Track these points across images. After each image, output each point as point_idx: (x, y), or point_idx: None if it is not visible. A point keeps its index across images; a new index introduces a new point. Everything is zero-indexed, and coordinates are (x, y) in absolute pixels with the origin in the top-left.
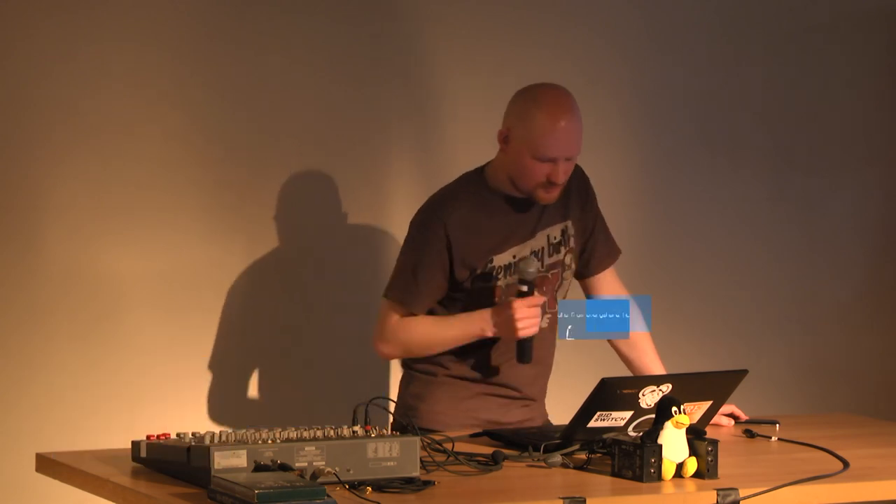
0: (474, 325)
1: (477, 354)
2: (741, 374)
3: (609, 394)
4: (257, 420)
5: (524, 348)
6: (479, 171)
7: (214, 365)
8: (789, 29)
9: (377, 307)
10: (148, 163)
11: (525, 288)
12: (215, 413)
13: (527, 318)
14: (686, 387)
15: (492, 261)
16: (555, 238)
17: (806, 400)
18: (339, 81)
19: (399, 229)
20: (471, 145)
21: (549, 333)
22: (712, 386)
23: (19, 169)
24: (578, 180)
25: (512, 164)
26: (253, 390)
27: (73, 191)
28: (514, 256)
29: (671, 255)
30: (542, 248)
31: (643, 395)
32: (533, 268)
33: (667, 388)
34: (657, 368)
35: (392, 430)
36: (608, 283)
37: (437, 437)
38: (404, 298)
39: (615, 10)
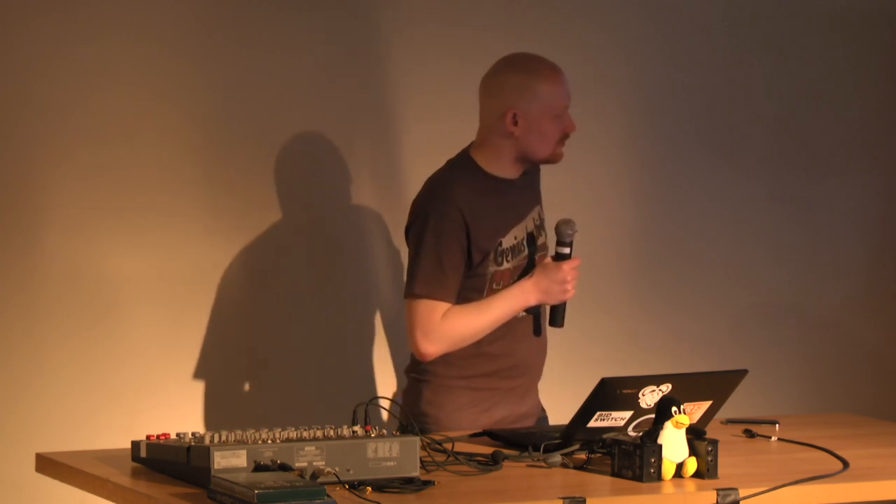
0: (517, 298)
1: (490, 347)
2: (741, 374)
3: (609, 394)
4: (257, 420)
5: (561, 311)
6: (467, 157)
7: (214, 365)
8: (791, 29)
9: (376, 307)
10: (148, 163)
11: (567, 250)
12: (215, 413)
13: (574, 279)
14: (686, 387)
15: (500, 244)
16: (537, 220)
17: (805, 400)
18: (340, 81)
19: (402, 229)
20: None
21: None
22: (712, 386)
23: (19, 169)
24: (538, 176)
25: (529, 137)
26: (253, 390)
27: (73, 191)
28: (515, 238)
29: (671, 255)
30: (533, 229)
31: (643, 394)
32: (572, 229)
33: (667, 388)
34: None
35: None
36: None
37: (437, 437)
38: (436, 291)
39: (617, 9)
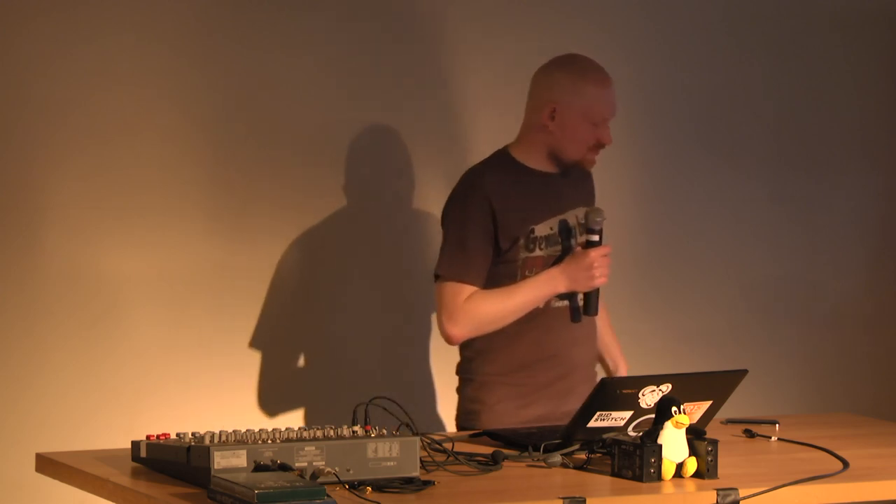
0: (545, 285)
1: (524, 338)
2: (741, 374)
3: (609, 394)
4: (257, 420)
5: (594, 299)
6: (502, 151)
7: (214, 365)
8: (791, 29)
9: (376, 307)
10: (148, 163)
11: (596, 238)
12: (215, 413)
13: (603, 266)
14: (686, 387)
15: (533, 231)
16: (581, 219)
17: (805, 400)
18: (340, 80)
19: (400, 230)
20: (474, 142)
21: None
22: (712, 386)
23: (19, 169)
24: (590, 179)
25: (561, 134)
26: (253, 390)
27: (73, 191)
28: (551, 228)
29: (671, 255)
30: (574, 225)
31: (643, 395)
32: (601, 217)
33: (667, 388)
34: (613, 342)
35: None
36: None
37: (437, 437)
38: (459, 274)
39: (617, 9)
